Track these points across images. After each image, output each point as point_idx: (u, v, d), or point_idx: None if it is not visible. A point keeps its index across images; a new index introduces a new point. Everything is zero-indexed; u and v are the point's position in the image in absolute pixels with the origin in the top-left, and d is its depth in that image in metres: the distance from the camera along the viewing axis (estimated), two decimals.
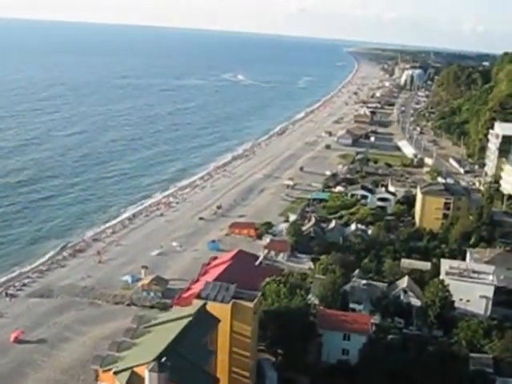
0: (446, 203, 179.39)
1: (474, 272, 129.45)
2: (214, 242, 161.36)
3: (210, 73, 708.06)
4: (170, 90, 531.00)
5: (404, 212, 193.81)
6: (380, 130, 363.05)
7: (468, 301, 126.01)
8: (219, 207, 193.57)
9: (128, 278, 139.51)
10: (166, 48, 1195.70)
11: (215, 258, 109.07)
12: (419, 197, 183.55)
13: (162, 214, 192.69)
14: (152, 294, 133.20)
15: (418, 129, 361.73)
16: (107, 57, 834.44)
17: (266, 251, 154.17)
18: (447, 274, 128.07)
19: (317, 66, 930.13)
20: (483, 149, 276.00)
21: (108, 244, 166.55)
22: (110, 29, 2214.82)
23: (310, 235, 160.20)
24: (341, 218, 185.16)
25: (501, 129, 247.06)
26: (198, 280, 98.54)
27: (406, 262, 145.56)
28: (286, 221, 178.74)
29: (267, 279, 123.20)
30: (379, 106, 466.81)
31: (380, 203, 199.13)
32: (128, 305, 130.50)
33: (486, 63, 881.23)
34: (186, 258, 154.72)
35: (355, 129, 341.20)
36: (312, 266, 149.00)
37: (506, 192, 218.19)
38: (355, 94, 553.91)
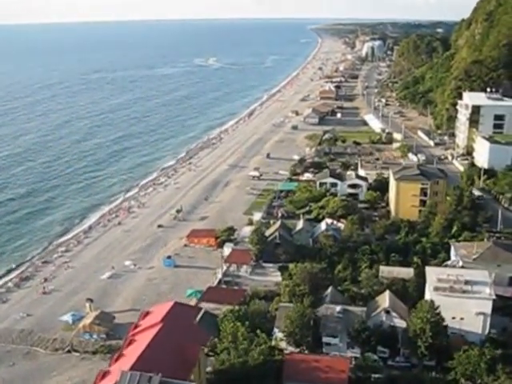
0: (422, 189, 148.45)
1: (467, 283, 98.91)
2: (169, 258, 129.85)
3: (181, 60, 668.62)
4: (139, 80, 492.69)
5: (377, 199, 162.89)
6: (346, 104, 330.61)
7: (462, 319, 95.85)
8: (179, 211, 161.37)
9: (68, 318, 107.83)
10: (135, 41, 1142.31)
11: (146, 314, 77.60)
12: (393, 183, 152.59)
13: (119, 223, 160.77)
14: (95, 335, 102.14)
15: (383, 100, 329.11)
16: (75, 54, 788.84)
17: (226, 266, 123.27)
18: (436, 289, 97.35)
19: (282, 45, 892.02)
20: (451, 118, 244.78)
21: (58, 267, 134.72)
22: (74, 27, 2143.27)
23: (275, 241, 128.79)
24: (310, 212, 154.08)
25: (470, 99, 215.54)
26: (123, 351, 66.76)
27: (385, 271, 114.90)
28: (250, 223, 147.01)
29: (225, 309, 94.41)
30: (343, 79, 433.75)
31: (351, 190, 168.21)
32: (68, 351, 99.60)
33: (439, 30, 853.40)
34: (140, 280, 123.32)
35: (321, 106, 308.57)
36: (280, 279, 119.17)
37: (479, 165, 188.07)
38: (320, 69, 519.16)
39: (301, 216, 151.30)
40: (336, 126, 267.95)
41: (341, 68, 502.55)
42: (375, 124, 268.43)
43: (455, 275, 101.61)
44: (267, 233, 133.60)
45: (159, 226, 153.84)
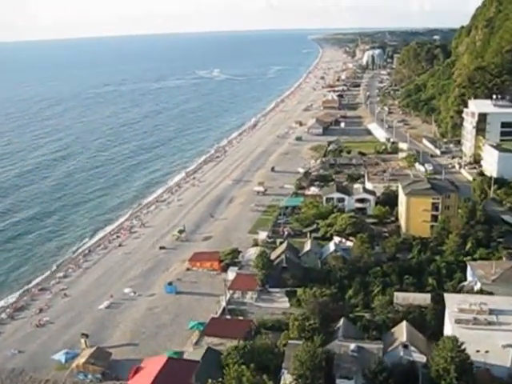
0: (433, 203, 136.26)
1: (492, 312, 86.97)
2: (171, 284, 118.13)
3: (187, 72, 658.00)
4: (148, 93, 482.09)
5: (386, 214, 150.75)
6: (349, 113, 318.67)
7: (487, 352, 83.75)
8: (182, 231, 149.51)
9: (61, 357, 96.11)
10: (140, 54, 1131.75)
11: (137, 371, 65.89)
12: (403, 198, 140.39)
13: (120, 245, 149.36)
14: (90, 376, 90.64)
15: (386, 108, 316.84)
16: (86, 69, 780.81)
17: (229, 293, 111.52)
18: (458, 322, 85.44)
19: (284, 56, 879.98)
20: (456, 126, 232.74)
21: (54, 295, 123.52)
22: (83, 43, 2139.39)
23: (281, 265, 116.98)
24: (317, 230, 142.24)
25: (476, 106, 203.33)
26: None
27: (399, 297, 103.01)
28: (256, 244, 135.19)
29: (230, 344, 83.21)
30: (345, 88, 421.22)
31: (359, 205, 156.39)
32: None
33: (436, 37, 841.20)
34: (140, 309, 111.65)
35: (324, 116, 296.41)
36: (287, 305, 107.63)
37: (488, 173, 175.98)
38: (322, 78, 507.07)
39: (308, 234, 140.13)
40: (340, 136, 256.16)
41: (342, 77, 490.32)
42: (379, 133, 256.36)
43: (478, 304, 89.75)
44: (273, 255, 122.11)
45: (161, 248, 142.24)
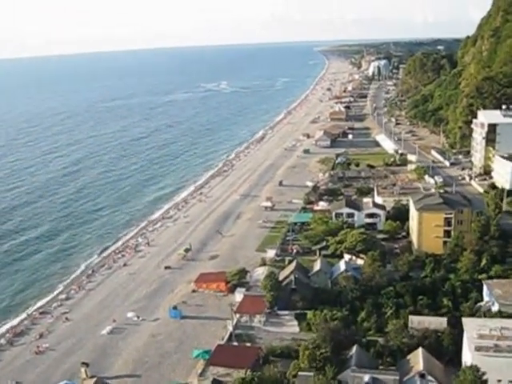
0: (446, 219, 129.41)
1: None
2: (175, 308, 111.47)
3: (195, 85, 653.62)
4: (158, 107, 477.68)
5: (397, 229, 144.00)
6: (356, 125, 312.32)
7: (510, 382, 76.98)
8: (188, 250, 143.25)
9: None
10: (153, 68, 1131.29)
11: None
12: (414, 213, 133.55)
13: (125, 264, 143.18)
14: None
15: (393, 119, 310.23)
16: (94, 83, 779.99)
17: (237, 317, 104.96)
18: (478, 349, 78.47)
19: (291, 67, 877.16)
20: (464, 137, 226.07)
21: (56, 319, 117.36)
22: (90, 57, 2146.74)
23: (290, 287, 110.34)
24: (326, 247, 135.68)
25: (485, 117, 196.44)
26: None
27: (415, 321, 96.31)
28: (263, 263, 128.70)
29: (236, 376, 77.15)
30: (352, 99, 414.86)
31: (369, 220, 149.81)
32: None
33: (440, 47, 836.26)
34: (143, 336, 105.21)
35: (332, 128, 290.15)
36: (297, 329, 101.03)
37: (499, 185, 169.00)
38: (328, 89, 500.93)
39: (317, 252, 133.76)
40: (348, 148, 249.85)
41: (349, 88, 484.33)
42: (388, 145, 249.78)
43: (499, 329, 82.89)
44: (282, 275, 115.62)
45: (166, 268, 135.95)
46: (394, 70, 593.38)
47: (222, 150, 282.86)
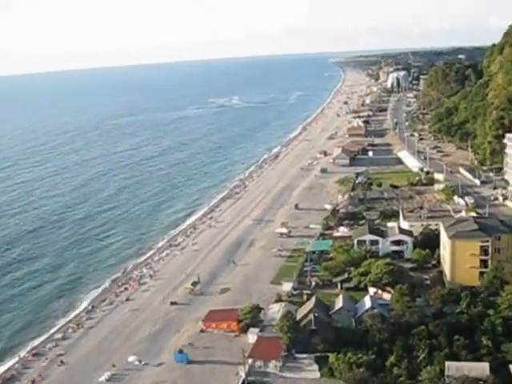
0: (482, 247, 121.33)
1: None
2: (181, 352, 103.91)
3: (206, 100, 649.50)
4: (168, 123, 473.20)
5: (427, 257, 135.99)
6: (377, 140, 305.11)
7: None
8: (196, 283, 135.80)
9: None
10: (163, 83, 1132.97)
11: None
12: (446, 241, 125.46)
13: (127, 299, 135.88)
14: None
15: (416, 135, 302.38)
16: (103, 99, 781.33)
17: (249, 362, 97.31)
18: None
19: (306, 80, 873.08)
20: (495, 152, 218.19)
21: (50, 362, 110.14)
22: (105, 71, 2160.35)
23: (310, 327, 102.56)
24: (349, 280, 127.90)
25: None
26: None
27: (452, 368, 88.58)
28: (279, 299, 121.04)
29: None
30: (371, 113, 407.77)
31: (394, 248, 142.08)
32: None
33: (461, 56, 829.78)
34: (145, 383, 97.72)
35: (351, 145, 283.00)
36: (317, 375, 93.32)
37: None
38: (345, 103, 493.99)
39: (338, 285, 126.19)
40: (369, 167, 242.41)
41: (367, 101, 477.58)
42: (411, 162, 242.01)
43: None
44: (299, 313, 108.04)
45: (172, 304, 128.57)
46: (414, 82, 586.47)
47: (236, 169, 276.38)
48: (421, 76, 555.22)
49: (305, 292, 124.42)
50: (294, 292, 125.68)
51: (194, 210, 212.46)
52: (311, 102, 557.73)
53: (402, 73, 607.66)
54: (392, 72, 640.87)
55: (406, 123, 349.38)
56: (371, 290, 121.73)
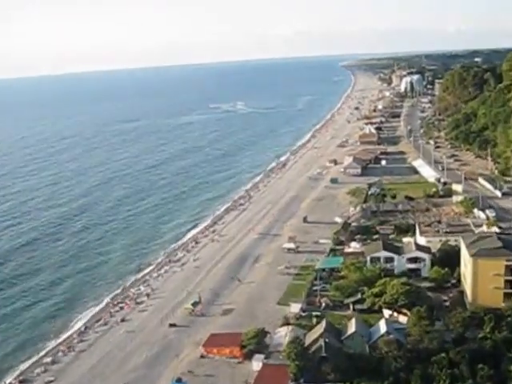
0: (507, 266, 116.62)
1: None
2: (180, 381, 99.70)
3: (210, 105, 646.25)
4: (171, 130, 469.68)
5: (446, 276, 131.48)
6: (390, 148, 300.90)
7: None
8: (197, 303, 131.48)
9: None
10: (164, 86, 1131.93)
11: None
12: (467, 259, 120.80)
13: (123, 320, 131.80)
14: None
15: (432, 142, 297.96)
16: (103, 104, 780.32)
17: None
18: None
19: (314, 85, 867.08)
20: None
21: None
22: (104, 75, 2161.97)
23: (319, 354, 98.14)
24: (362, 301, 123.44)
25: None
26: None
27: None
28: (286, 322, 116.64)
29: None
30: (384, 119, 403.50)
31: (411, 265, 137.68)
32: None
33: (478, 59, 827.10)
34: None
35: (363, 153, 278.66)
36: None
37: None
38: (356, 109, 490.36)
39: (350, 306, 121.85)
40: (382, 177, 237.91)
41: (379, 106, 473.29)
42: (427, 172, 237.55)
43: None
44: (309, 338, 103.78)
45: (171, 325, 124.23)
46: (429, 86, 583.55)
47: (241, 179, 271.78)
48: (436, 80, 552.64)
49: (314, 314, 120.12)
50: (303, 314, 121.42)
51: (197, 222, 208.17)
52: (320, 108, 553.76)
53: (416, 77, 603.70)
54: (405, 76, 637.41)
55: (421, 130, 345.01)
56: (386, 313, 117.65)
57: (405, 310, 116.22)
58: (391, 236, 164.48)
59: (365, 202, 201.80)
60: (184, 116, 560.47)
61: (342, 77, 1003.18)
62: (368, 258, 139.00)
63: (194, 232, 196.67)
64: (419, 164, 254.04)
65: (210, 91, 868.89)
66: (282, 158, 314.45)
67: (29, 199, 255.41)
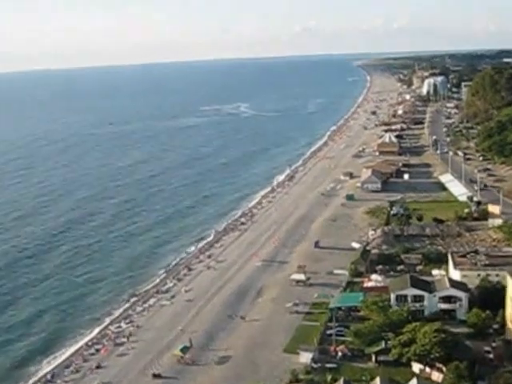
0: None
1: None
2: None
3: (209, 107, 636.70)
4: (157, 134, 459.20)
5: (488, 320, 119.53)
6: (413, 160, 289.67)
7: None
8: (187, 348, 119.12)
9: None
10: (159, 85, 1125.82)
11: None
12: None
13: (98, 366, 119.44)
14: None
15: (461, 154, 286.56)
16: (98, 101, 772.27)
17: None
18: None
19: (327, 85, 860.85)
20: None
21: None
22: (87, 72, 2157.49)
23: None
24: (386, 351, 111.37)
25: None
26: None
27: None
28: (295, 379, 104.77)
29: None
30: (405, 126, 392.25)
31: (444, 306, 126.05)
32: None
33: (508, 60, 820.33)
34: None
35: (382, 165, 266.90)
36: None
37: None
38: (373, 113, 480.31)
39: (372, 357, 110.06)
40: (405, 194, 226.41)
41: (399, 111, 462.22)
42: (457, 188, 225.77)
43: None
44: None
45: (155, 376, 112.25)
46: (454, 89, 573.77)
47: (238, 198, 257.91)
48: (462, 82, 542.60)
49: (328, 366, 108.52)
50: (315, 365, 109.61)
51: (190, 245, 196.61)
52: (333, 111, 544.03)
53: (440, 78, 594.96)
54: (428, 77, 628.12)
55: (448, 139, 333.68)
56: (416, 367, 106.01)
57: (439, 365, 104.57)
58: (418, 267, 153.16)
59: (386, 224, 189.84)
60: (180, 119, 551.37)
61: (357, 77, 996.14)
62: (393, 296, 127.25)
63: (186, 256, 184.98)
64: (447, 179, 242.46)
65: (211, 91, 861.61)
66: (290, 169, 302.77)
67: (7, 213, 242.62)
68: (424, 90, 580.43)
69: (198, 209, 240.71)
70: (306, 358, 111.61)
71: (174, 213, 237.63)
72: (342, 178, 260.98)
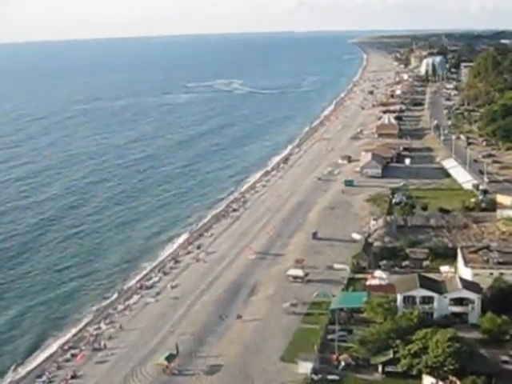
0: None
1: None
2: None
3: (200, 83, 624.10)
4: (149, 111, 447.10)
5: (504, 326, 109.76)
6: (414, 143, 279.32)
7: None
8: (173, 355, 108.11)
9: None
10: (147, 60, 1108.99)
11: None
12: None
13: (74, 376, 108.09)
14: None
15: (463, 138, 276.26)
16: (81, 76, 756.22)
17: None
18: None
19: (322, 63, 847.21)
20: None
21: None
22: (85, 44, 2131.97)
23: None
24: (395, 361, 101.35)
25: None
26: None
27: None
28: None
29: None
30: (404, 107, 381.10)
31: (455, 308, 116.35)
32: None
33: (505, 41, 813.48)
34: None
35: (382, 149, 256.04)
36: None
37: None
38: (371, 93, 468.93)
39: (379, 369, 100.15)
40: (407, 180, 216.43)
41: (397, 92, 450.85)
42: (462, 175, 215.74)
43: None
44: None
45: None
46: (453, 69, 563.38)
47: (235, 177, 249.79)
48: (462, 63, 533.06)
49: (330, 378, 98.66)
50: (315, 377, 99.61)
51: (180, 233, 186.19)
52: (329, 90, 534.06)
53: (438, 58, 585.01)
54: (426, 57, 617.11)
55: (449, 122, 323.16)
56: (428, 380, 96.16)
57: (453, 378, 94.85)
58: (425, 263, 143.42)
59: (388, 213, 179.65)
60: (169, 95, 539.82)
61: (352, 55, 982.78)
62: (400, 298, 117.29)
63: (173, 246, 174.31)
64: (451, 164, 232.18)
65: (203, 66, 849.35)
66: (285, 152, 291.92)
67: None
68: (422, 70, 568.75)
69: (192, 194, 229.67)
70: (305, 368, 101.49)
71: (167, 197, 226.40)
72: (340, 161, 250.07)
